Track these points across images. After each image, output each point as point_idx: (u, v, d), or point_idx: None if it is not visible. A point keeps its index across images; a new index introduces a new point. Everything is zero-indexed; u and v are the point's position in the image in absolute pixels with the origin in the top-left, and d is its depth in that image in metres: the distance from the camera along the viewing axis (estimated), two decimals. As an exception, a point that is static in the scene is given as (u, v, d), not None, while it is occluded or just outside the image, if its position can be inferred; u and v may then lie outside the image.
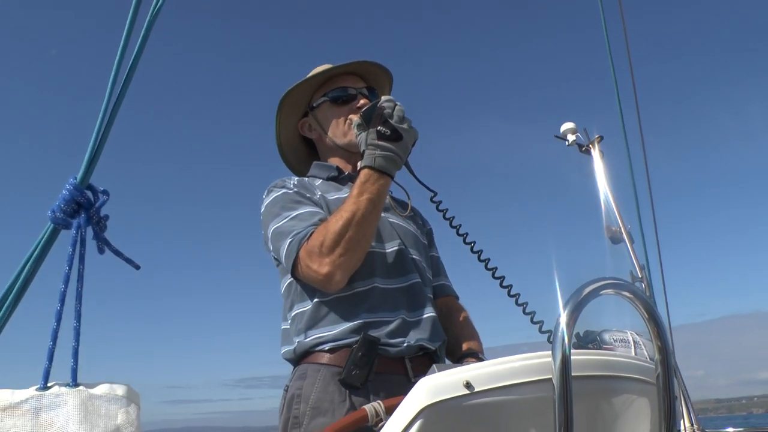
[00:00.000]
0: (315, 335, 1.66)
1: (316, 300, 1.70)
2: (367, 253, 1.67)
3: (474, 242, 1.81)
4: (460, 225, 1.81)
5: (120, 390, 1.00)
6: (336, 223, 1.59)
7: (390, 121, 1.62)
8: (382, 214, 1.76)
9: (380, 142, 1.61)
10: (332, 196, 1.81)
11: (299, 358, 1.70)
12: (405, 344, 1.63)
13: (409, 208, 1.92)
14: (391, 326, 1.63)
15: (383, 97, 1.69)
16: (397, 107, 1.64)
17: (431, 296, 1.80)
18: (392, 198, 1.93)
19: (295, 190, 1.81)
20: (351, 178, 1.84)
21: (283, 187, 1.82)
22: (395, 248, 1.77)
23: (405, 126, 1.63)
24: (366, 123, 1.66)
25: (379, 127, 1.61)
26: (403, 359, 1.64)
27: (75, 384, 0.98)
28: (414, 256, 1.81)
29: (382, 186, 1.61)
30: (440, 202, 1.80)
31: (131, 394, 1.01)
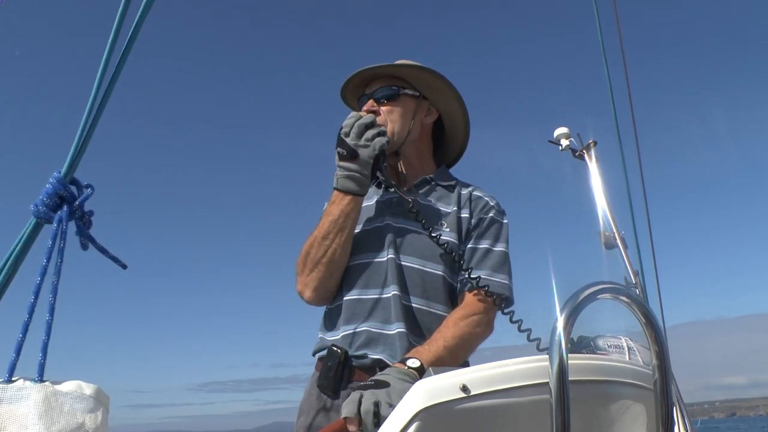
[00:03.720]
0: (317, 343, 1.84)
1: (324, 309, 1.89)
2: (355, 265, 1.79)
3: (446, 243, 1.77)
4: (439, 234, 1.76)
5: (88, 390, 0.99)
6: (305, 244, 1.77)
7: (346, 140, 1.70)
8: (388, 221, 1.82)
9: (341, 163, 1.72)
10: (363, 204, 1.84)
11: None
12: (368, 357, 1.69)
13: (407, 204, 1.81)
14: (361, 338, 1.71)
15: (351, 114, 1.76)
16: (356, 123, 1.72)
17: (417, 306, 1.75)
18: (406, 200, 1.82)
19: None
20: (382, 184, 1.89)
21: (326, 201, 1.93)
22: (384, 258, 1.78)
23: (362, 141, 1.70)
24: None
25: (338, 149, 1.71)
26: (374, 369, 1.66)
27: (40, 379, 0.98)
28: (409, 264, 1.78)
29: (346, 205, 1.72)
30: (418, 212, 1.76)
31: (100, 396, 1.00)
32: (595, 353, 1.73)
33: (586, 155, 3.05)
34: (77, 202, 1.09)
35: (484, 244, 1.83)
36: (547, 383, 0.88)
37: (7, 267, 1.03)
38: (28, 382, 0.96)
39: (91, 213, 1.12)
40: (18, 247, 1.05)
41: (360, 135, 1.71)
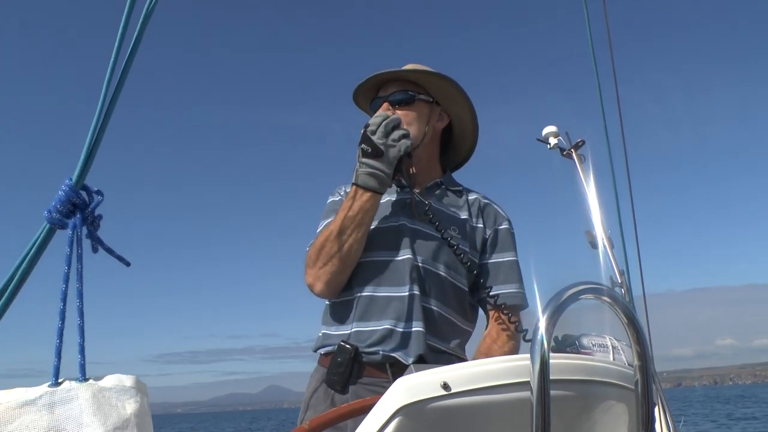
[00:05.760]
0: (321, 337, 1.86)
1: (327, 302, 1.90)
2: (369, 262, 1.79)
3: (463, 253, 1.81)
4: (451, 236, 1.80)
5: (128, 381, 1.03)
6: (320, 237, 1.77)
7: (372, 137, 1.70)
8: (403, 221, 1.84)
9: (364, 159, 1.72)
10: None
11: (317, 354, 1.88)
12: (381, 353, 1.70)
13: (425, 209, 1.82)
14: (376, 335, 1.72)
15: (378, 113, 1.77)
16: (384, 122, 1.71)
17: (434, 308, 1.78)
18: (421, 204, 1.84)
19: (340, 198, 1.93)
20: (397, 183, 1.91)
21: (333, 194, 1.98)
22: (401, 258, 1.79)
23: (388, 141, 1.70)
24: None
25: (362, 145, 1.71)
26: (385, 365, 1.70)
27: (84, 378, 1.01)
28: (425, 266, 1.80)
29: (365, 202, 1.71)
30: (432, 215, 1.78)
31: (139, 385, 1.04)
32: (579, 352, 1.73)
33: (573, 154, 3.05)
34: (89, 209, 1.10)
35: (508, 257, 1.91)
36: (529, 382, 0.88)
37: (21, 270, 1.05)
38: (74, 383, 0.99)
39: (100, 217, 1.13)
40: (32, 251, 1.06)
41: (387, 134, 1.72)
